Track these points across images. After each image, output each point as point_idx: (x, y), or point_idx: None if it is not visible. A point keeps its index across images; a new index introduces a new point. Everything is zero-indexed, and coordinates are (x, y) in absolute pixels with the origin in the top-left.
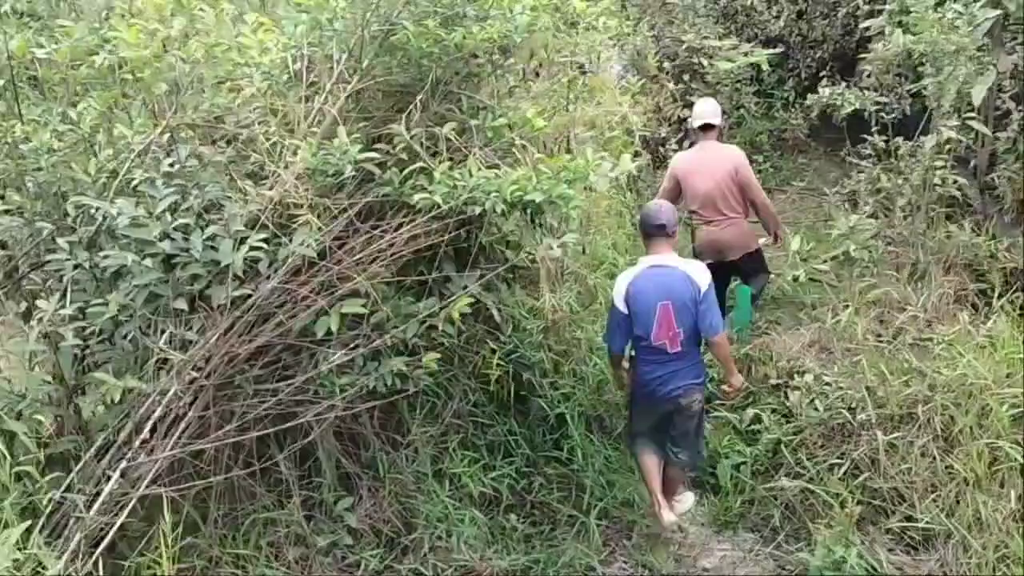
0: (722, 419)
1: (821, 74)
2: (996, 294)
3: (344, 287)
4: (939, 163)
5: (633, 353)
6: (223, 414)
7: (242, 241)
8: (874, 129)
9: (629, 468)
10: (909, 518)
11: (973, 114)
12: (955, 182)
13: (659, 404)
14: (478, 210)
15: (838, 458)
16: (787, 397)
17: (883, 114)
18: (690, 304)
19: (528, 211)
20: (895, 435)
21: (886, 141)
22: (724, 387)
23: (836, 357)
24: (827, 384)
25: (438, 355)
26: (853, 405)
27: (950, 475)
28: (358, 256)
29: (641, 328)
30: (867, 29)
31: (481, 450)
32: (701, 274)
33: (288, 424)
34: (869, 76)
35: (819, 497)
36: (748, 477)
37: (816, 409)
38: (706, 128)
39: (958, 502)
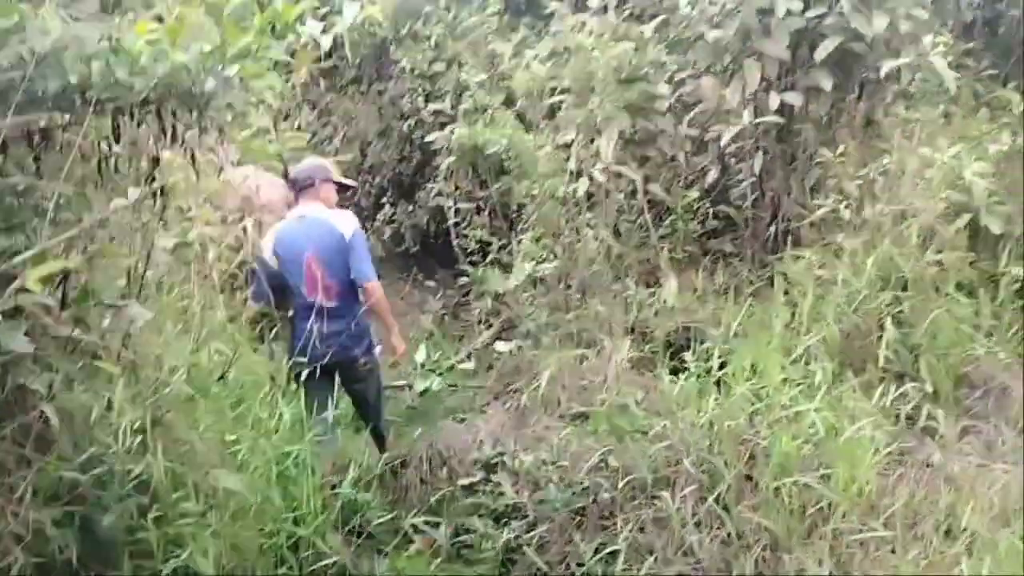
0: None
1: (382, 200)
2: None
3: None
4: (589, 215)
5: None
6: None
7: None
8: (456, 241)
9: None
10: None
11: None
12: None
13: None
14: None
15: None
16: (498, 494)
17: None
18: (335, 254)
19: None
20: (655, 508)
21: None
22: (388, 353)
23: (543, 434)
24: (545, 464)
25: None
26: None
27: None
28: None
29: (294, 282)
30: (432, 143)
31: None
32: (345, 221)
33: None
34: (439, 194)
35: None
36: None
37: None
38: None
39: None
